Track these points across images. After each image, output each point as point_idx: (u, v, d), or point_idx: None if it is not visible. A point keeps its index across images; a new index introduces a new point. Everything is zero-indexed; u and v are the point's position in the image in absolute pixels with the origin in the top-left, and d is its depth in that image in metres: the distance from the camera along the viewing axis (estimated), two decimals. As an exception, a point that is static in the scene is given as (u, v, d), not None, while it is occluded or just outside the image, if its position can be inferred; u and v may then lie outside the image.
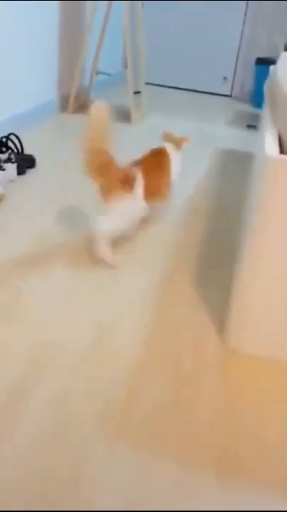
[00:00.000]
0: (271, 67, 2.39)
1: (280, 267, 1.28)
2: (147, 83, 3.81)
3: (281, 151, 1.25)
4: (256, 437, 1.17)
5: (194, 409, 1.22)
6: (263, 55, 4.31)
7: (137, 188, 1.71)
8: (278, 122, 1.46)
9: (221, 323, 1.53)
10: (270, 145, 1.25)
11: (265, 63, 3.92)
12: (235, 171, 2.80)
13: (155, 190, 1.81)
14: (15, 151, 2.47)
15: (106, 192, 1.65)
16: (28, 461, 1.05)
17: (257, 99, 4.08)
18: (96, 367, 1.32)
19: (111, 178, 1.64)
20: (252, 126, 3.59)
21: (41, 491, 1.00)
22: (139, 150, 1.93)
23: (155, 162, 1.87)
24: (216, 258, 1.91)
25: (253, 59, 4.37)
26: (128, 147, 2.12)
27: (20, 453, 1.07)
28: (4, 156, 2.33)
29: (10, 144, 2.45)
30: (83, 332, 1.44)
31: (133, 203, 1.71)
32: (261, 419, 1.22)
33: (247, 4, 4.29)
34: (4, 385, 1.23)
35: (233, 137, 3.44)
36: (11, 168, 2.33)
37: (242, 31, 4.41)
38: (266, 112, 1.78)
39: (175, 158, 1.96)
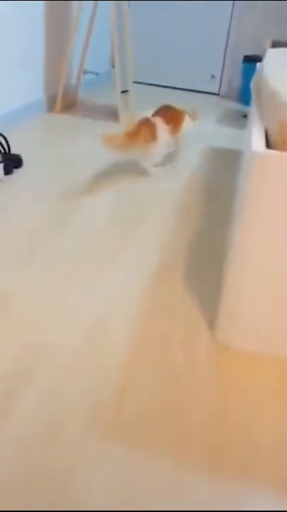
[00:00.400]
0: (258, 65, 2.39)
1: (268, 262, 1.27)
2: (135, 82, 3.80)
3: (268, 147, 1.25)
4: (248, 435, 1.17)
5: (187, 408, 1.22)
6: (250, 52, 4.32)
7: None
8: (265, 118, 1.45)
9: (213, 320, 1.52)
10: (256, 140, 1.25)
11: (252, 61, 3.93)
12: (224, 169, 2.79)
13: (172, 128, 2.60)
14: (2, 150, 2.45)
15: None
16: (20, 462, 1.04)
17: (245, 96, 4.08)
18: (88, 366, 1.31)
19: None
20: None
21: (34, 491, 0.99)
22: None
23: (173, 112, 2.69)
24: (207, 255, 1.90)
25: (241, 57, 4.38)
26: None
27: (13, 453, 1.05)
28: (-9, 156, 2.31)
29: (-4, 143, 2.43)
30: (74, 330, 1.43)
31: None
32: (253, 416, 1.22)
33: (233, 4, 4.30)
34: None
35: (222, 135, 3.44)
36: (-2, 168, 2.30)
37: (229, 29, 4.42)
38: (252, 109, 1.78)
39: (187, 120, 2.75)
